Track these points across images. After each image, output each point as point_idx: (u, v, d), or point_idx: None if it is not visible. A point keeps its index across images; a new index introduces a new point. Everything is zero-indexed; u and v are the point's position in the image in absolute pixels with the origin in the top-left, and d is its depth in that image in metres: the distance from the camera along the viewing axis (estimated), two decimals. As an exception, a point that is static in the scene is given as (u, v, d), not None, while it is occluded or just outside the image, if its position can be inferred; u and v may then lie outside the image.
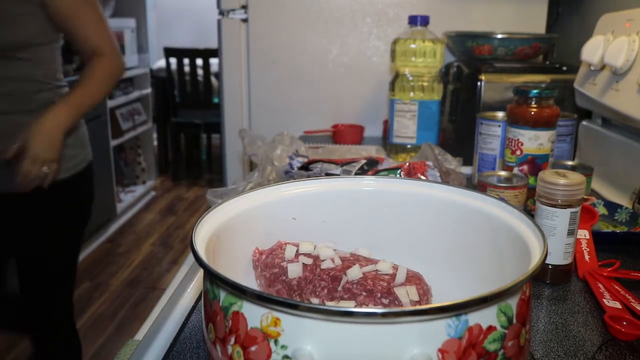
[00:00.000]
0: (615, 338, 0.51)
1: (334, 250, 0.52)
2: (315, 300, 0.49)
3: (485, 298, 0.33)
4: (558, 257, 0.60)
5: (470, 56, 1.20)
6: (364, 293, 0.48)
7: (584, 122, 1.05)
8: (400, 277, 0.48)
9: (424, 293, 0.48)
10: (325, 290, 0.49)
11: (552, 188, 0.59)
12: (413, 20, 1.08)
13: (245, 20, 1.39)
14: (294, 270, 0.50)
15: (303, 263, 0.50)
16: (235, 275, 0.43)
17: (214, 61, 3.37)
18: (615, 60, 0.83)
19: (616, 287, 0.58)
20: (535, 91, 0.79)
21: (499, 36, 1.14)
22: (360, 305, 0.47)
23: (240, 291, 0.34)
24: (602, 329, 0.52)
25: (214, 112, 3.50)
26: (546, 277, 0.61)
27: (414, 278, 0.49)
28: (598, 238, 0.68)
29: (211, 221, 0.45)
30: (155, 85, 3.58)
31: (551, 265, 0.61)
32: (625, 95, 0.83)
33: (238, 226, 0.49)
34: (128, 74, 3.06)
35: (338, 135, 1.31)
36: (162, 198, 3.53)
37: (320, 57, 1.39)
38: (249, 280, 0.52)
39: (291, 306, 0.32)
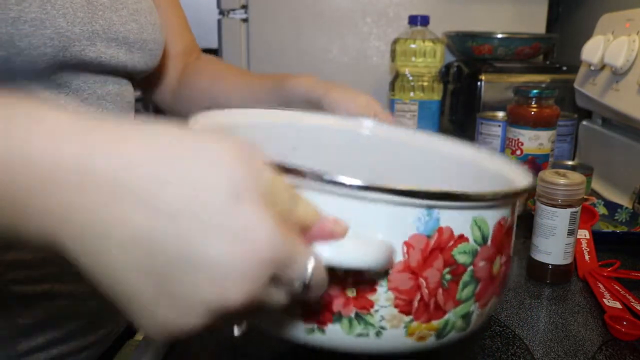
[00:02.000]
0: (615, 338, 0.51)
1: None
2: None
3: (457, 195, 0.33)
4: (558, 257, 0.60)
5: (470, 56, 1.20)
6: None
7: (584, 122, 1.05)
8: None
9: None
10: None
11: (552, 188, 0.59)
12: (413, 20, 1.08)
13: (245, 20, 1.39)
14: None
15: None
16: None
17: (214, 61, 3.37)
18: (615, 60, 0.83)
19: (616, 287, 0.58)
20: (535, 91, 0.79)
21: (499, 36, 1.14)
22: None
23: None
24: (602, 329, 0.52)
25: (214, 112, 3.50)
26: (546, 277, 0.61)
27: None
28: (598, 238, 0.68)
29: (206, 122, 0.45)
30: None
31: (551, 265, 0.61)
32: (625, 95, 0.83)
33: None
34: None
35: (338, 135, 1.30)
36: (163, 198, 3.53)
37: (320, 57, 1.39)
38: None
39: None
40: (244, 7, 1.39)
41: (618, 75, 0.85)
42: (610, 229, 0.76)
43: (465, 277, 0.36)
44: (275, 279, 0.27)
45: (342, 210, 0.32)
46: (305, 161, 0.53)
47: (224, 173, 0.26)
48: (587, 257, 0.64)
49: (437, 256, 0.34)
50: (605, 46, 0.87)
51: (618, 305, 0.55)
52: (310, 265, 0.28)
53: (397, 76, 1.11)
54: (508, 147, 0.83)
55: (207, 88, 0.72)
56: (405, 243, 0.33)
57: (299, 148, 0.54)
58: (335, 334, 0.35)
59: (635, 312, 0.53)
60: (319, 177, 0.32)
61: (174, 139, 0.26)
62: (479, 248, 0.36)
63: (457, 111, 1.19)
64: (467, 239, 0.35)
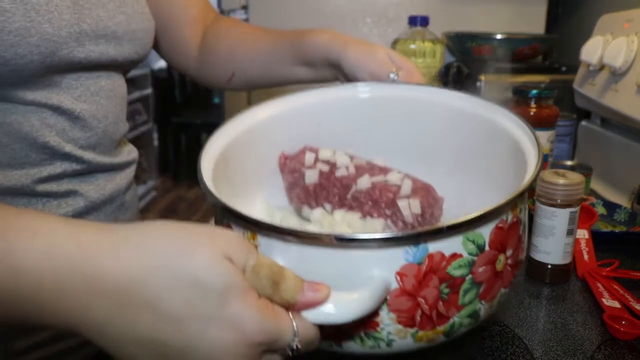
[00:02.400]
0: (614, 337, 0.51)
1: (352, 158, 0.54)
2: (327, 206, 0.52)
3: (441, 229, 0.34)
4: (557, 256, 0.61)
5: (470, 56, 1.20)
6: (369, 203, 0.49)
7: (583, 122, 1.05)
8: (405, 189, 0.48)
9: (429, 205, 0.48)
10: (337, 197, 0.51)
11: (552, 188, 0.59)
12: (413, 21, 1.09)
13: (245, 21, 1.40)
14: (311, 176, 0.53)
15: (320, 170, 0.53)
16: (261, 175, 0.50)
17: (214, 61, 3.36)
18: (614, 61, 0.83)
19: (615, 286, 0.58)
20: (534, 91, 0.80)
21: (499, 37, 1.14)
22: (366, 214, 0.48)
23: (225, 210, 0.37)
24: (601, 329, 0.52)
25: (215, 112, 3.51)
26: (545, 276, 0.62)
27: (421, 190, 0.49)
28: (597, 238, 0.68)
29: (224, 134, 0.48)
30: (155, 86, 3.59)
31: (550, 265, 0.61)
32: (624, 95, 0.83)
33: (258, 134, 0.52)
34: (129, 74, 3.06)
35: (338, 135, 1.31)
36: (163, 198, 3.54)
37: (321, 58, 1.39)
38: (275, 179, 0.56)
39: (255, 224, 0.35)
40: (245, 7, 1.39)
41: (617, 75, 0.85)
42: (609, 228, 0.76)
43: (465, 285, 0.36)
44: (268, 350, 0.31)
45: (334, 258, 0.34)
46: (330, 136, 0.56)
47: (212, 274, 0.30)
48: (586, 256, 0.65)
49: (431, 277, 0.34)
50: (604, 46, 0.88)
51: (617, 304, 0.55)
52: (296, 336, 0.32)
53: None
54: (507, 148, 0.83)
55: (228, 52, 0.72)
56: (398, 273, 0.34)
57: (322, 124, 0.56)
58: (351, 347, 0.37)
59: (634, 312, 0.53)
60: (309, 236, 0.34)
61: (164, 248, 0.30)
62: (475, 258, 0.35)
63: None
64: (460, 255, 0.35)
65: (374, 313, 0.35)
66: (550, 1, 1.32)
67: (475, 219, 0.34)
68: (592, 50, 0.90)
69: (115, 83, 0.59)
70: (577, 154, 1.07)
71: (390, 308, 0.35)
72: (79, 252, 0.30)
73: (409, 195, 0.48)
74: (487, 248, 0.36)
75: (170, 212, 3.28)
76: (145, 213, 3.24)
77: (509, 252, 0.38)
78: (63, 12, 0.48)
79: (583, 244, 0.66)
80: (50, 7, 0.47)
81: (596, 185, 0.95)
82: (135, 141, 3.33)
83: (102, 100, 0.56)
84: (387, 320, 0.35)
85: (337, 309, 0.32)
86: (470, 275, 0.36)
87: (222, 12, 1.40)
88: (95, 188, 0.57)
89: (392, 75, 0.59)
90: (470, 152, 0.52)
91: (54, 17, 0.47)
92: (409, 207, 0.47)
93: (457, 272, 0.35)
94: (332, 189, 0.51)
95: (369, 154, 0.56)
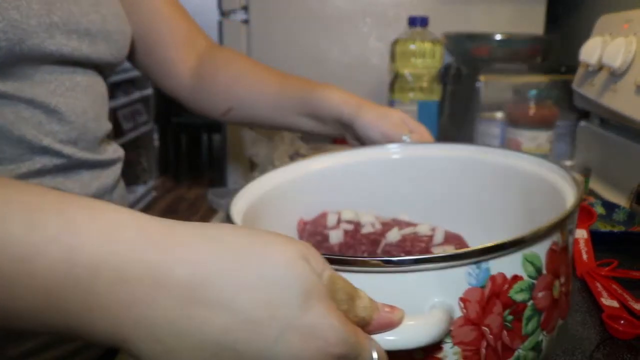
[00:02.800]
0: (613, 337, 0.51)
1: (376, 216, 0.53)
2: None
3: (503, 245, 0.33)
4: (556, 256, 0.61)
5: (469, 57, 1.20)
6: (402, 254, 0.48)
7: (582, 123, 1.06)
8: (438, 237, 0.48)
9: None
10: (366, 254, 0.50)
11: (550, 188, 0.59)
12: (412, 21, 1.09)
13: (246, 22, 1.40)
14: (335, 236, 0.51)
15: (344, 229, 0.52)
16: None
17: (214, 61, 3.36)
18: (614, 61, 0.83)
19: (614, 286, 0.59)
20: (533, 92, 0.80)
21: (498, 37, 1.15)
22: None
23: None
24: (599, 328, 0.53)
25: (215, 113, 3.51)
26: (544, 276, 0.62)
27: (453, 239, 0.49)
28: (596, 238, 0.68)
29: (246, 196, 0.46)
30: (156, 86, 3.59)
31: (549, 264, 0.61)
32: (623, 96, 0.83)
33: (276, 199, 0.50)
34: (129, 74, 3.07)
35: (338, 135, 1.31)
36: (163, 198, 3.54)
37: (321, 58, 1.39)
38: None
39: None
40: (245, 8, 1.39)
41: (616, 76, 0.85)
42: (608, 228, 0.76)
43: (527, 312, 0.35)
44: None
45: (394, 283, 0.33)
46: (347, 200, 0.55)
47: (293, 275, 0.27)
48: (585, 256, 0.65)
49: (495, 302, 0.34)
50: (603, 47, 0.88)
51: (616, 304, 0.55)
52: (375, 357, 0.29)
53: (396, 77, 1.11)
54: (507, 148, 0.84)
55: (227, 86, 0.71)
56: (461, 299, 0.33)
57: (336, 189, 0.55)
58: None
59: (633, 311, 0.54)
60: (364, 263, 0.33)
61: (243, 244, 0.28)
62: (535, 282, 0.35)
63: (456, 112, 1.20)
64: (521, 278, 0.34)
65: (436, 347, 0.33)
66: (550, 1, 1.32)
67: (533, 235, 0.34)
68: (591, 51, 0.91)
69: (92, 80, 0.58)
70: (576, 154, 1.07)
71: (455, 340, 0.33)
72: (144, 237, 0.27)
73: (442, 243, 0.48)
74: (544, 271, 0.36)
75: (171, 212, 3.28)
76: (145, 213, 3.24)
77: (562, 279, 0.38)
78: (32, 1, 0.48)
79: (582, 244, 0.66)
80: None
81: (595, 185, 0.96)
82: (135, 141, 3.33)
83: (79, 95, 0.55)
84: (451, 355, 0.33)
85: (412, 331, 0.31)
86: (531, 301, 0.35)
87: (222, 13, 1.40)
88: (80, 185, 0.56)
89: (405, 138, 0.59)
90: (493, 203, 0.52)
91: (21, 5, 0.47)
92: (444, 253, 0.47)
93: (519, 297, 0.34)
94: (359, 247, 0.50)
95: (390, 214, 0.55)
